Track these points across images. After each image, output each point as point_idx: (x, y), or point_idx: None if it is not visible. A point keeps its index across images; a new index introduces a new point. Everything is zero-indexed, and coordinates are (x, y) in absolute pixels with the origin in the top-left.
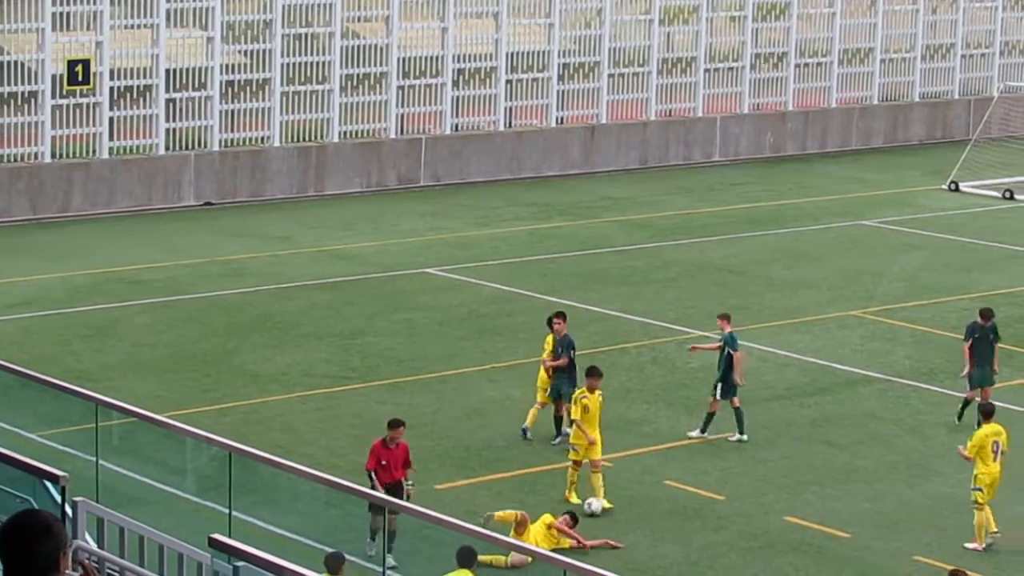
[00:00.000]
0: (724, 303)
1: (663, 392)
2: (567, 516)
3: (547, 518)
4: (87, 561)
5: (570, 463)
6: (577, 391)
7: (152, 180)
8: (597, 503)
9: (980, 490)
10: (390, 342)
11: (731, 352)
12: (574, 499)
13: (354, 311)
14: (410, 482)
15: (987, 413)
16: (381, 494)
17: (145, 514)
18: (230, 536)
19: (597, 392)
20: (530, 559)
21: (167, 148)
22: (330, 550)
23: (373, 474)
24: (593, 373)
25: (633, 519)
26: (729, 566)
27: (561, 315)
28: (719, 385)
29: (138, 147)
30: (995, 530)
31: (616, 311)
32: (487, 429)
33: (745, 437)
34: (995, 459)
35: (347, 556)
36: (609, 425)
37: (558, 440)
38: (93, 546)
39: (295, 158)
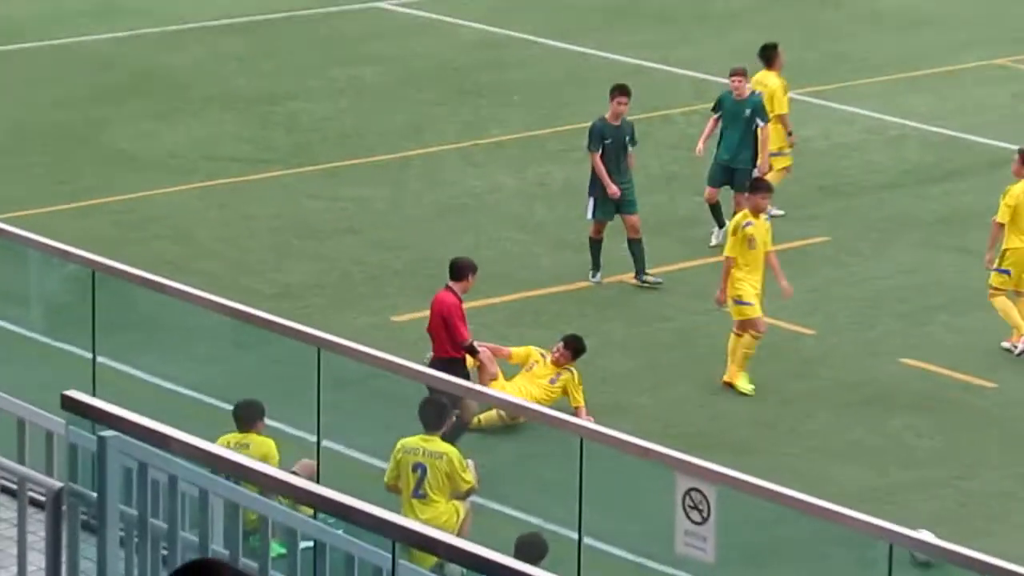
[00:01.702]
0: (813, 48)
1: None
2: (561, 346)
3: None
4: None
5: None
6: (736, 218)
7: None
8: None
9: (1007, 273)
10: (328, 109)
11: (759, 123)
12: (745, 385)
13: (276, 65)
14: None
15: None
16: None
17: None
18: (94, 393)
19: (763, 216)
20: (519, 418)
21: None
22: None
23: (474, 343)
24: (761, 188)
25: (679, 362)
26: (817, 430)
27: (625, 92)
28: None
29: None
30: None
31: (655, 62)
32: (468, 235)
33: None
34: None
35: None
36: (645, 225)
37: (648, 279)
38: None
39: None
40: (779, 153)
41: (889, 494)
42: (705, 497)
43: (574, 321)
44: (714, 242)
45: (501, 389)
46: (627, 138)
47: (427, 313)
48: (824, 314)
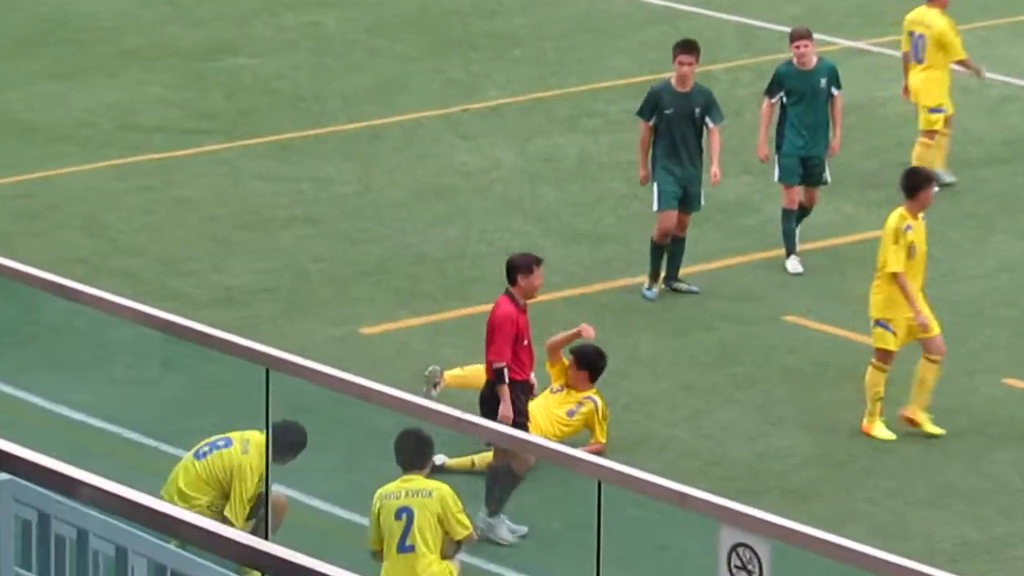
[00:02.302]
0: None
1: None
2: (573, 363)
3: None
4: None
5: (872, 359)
6: (892, 222)
7: None
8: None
9: None
10: (279, 66)
11: (833, 91)
12: (883, 432)
13: (214, 10)
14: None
15: None
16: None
17: None
18: None
19: (921, 216)
20: (532, 460)
21: None
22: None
23: (505, 370)
24: (921, 179)
25: (722, 384)
26: (898, 469)
27: (688, 49)
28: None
29: None
30: None
31: (691, 4)
32: (455, 225)
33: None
34: None
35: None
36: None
37: (681, 287)
38: None
39: None
40: (938, 109)
41: (989, 550)
42: (756, 555)
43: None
44: (794, 270)
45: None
46: (698, 111)
47: (405, 324)
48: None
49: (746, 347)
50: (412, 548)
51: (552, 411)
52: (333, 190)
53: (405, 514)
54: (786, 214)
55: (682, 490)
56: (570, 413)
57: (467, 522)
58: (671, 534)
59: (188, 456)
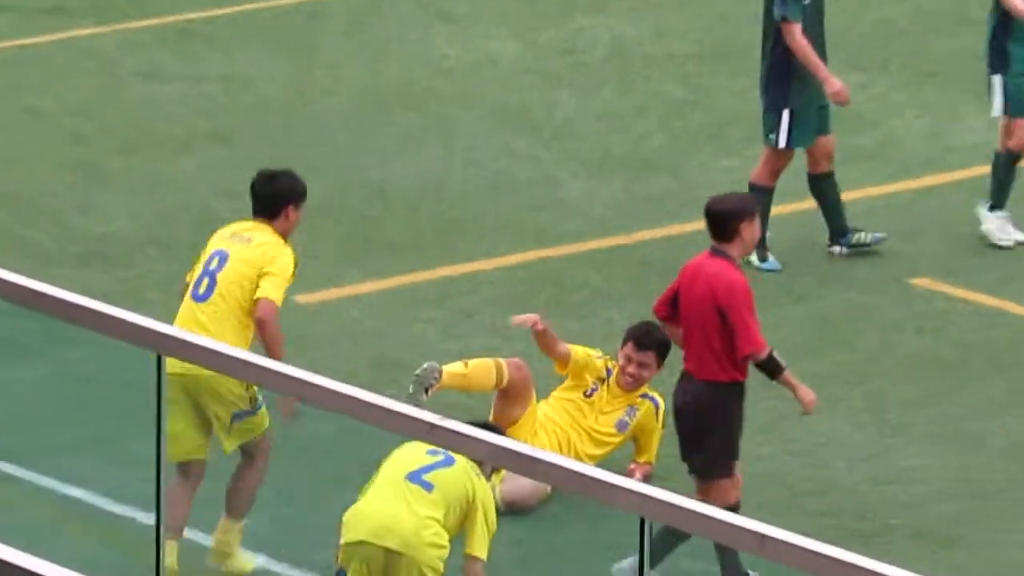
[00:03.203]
0: None
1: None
2: (653, 355)
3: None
4: None
5: None
6: None
7: None
8: None
9: None
10: None
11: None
12: None
13: None
14: None
15: None
16: None
17: None
18: None
19: None
20: (547, 491)
21: None
22: None
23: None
24: None
25: (821, 375)
26: None
27: None
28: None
29: None
30: None
31: None
32: (433, 146)
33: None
34: None
35: None
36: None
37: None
38: None
39: None
40: None
41: None
42: None
43: (627, 304)
44: (1004, 237)
45: (530, 426)
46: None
47: (357, 289)
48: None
49: (857, 324)
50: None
51: (587, 425)
52: (253, 95)
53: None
54: (1010, 159)
55: (762, 530)
56: (621, 426)
57: (485, 535)
58: None
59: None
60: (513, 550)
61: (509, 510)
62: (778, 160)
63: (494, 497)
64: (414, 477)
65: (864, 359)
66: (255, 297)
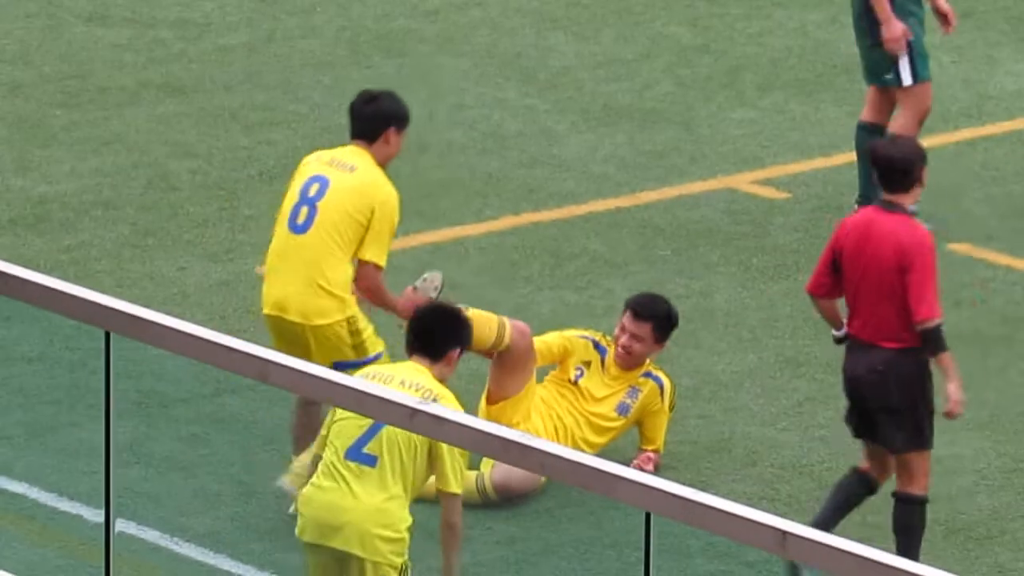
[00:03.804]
0: None
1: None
2: (650, 327)
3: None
4: None
5: None
6: None
7: None
8: None
9: None
10: None
11: None
12: None
13: None
14: None
15: None
16: None
17: None
18: None
19: None
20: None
21: None
22: None
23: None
24: None
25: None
26: None
27: None
28: None
29: None
30: None
31: None
32: (408, 97)
33: None
34: None
35: None
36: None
37: None
38: None
39: None
40: None
41: None
42: None
43: (631, 272)
44: None
45: (525, 405)
46: None
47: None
48: None
49: None
50: (368, 460)
51: (585, 409)
52: (211, 40)
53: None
54: None
55: (783, 527)
56: (622, 409)
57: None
58: None
59: None
60: (507, 548)
61: (501, 497)
62: (907, 100)
63: (485, 483)
64: (353, 454)
65: None
66: (360, 258)
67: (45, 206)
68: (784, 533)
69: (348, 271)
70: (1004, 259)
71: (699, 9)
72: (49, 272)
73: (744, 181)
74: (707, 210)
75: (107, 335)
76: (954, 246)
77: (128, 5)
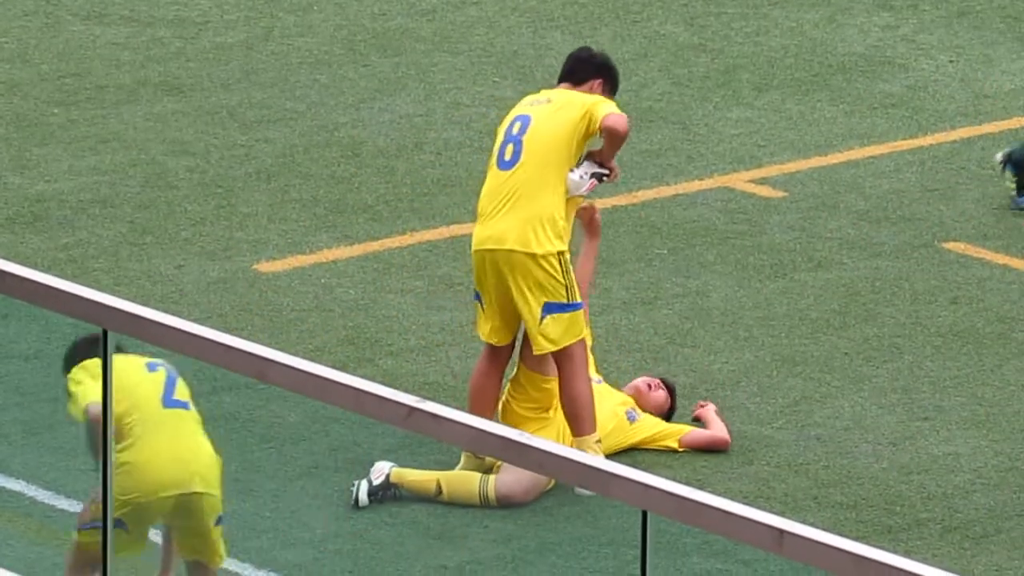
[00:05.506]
0: None
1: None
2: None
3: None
4: None
5: None
6: None
7: None
8: None
9: None
10: None
11: None
12: None
13: None
14: None
15: None
16: None
17: None
18: None
19: None
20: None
21: None
22: None
23: None
24: None
25: (845, 347)
26: None
27: None
28: None
29: None
30: None
31: None
32: (406, 95)
33: None
34: None
35: None
36: None
37: None
38: None
39: None
40: None
41: None
42: None
43: (627, 272)
44: None
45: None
46: None
47: (327, 256)
48: None
49: (884, 294)
50: None
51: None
52: (209, 38)
53: None
54: None
55: (780, 525)
56: (631, 415)
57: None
58: None
59: None
60: (503, 546)
61: (501, 506)
62: None
63: (487, 490)
64: (167, 401)
65: (892, 333)
66: (598, 122)
67: (43, 204)
68: (781, 532)
69: (562, 200)
70: (1000, 258)
71: (696, 8)
72: (47, 270)
73: (740, 180)
74: (703, 209)
75: (104, 333)
76: (950, 245)
77: (126, 3)
